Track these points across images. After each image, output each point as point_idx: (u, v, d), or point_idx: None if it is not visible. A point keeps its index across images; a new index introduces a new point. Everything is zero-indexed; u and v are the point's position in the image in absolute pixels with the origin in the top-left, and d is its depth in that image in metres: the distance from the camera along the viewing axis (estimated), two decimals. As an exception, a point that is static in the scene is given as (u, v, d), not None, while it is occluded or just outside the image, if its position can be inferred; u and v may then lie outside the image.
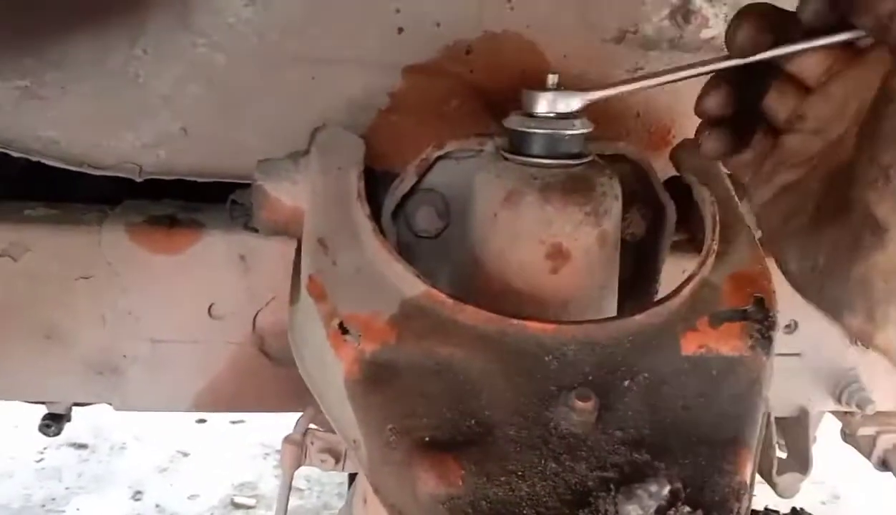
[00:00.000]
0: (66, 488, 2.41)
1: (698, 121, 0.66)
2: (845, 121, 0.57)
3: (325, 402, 0.67)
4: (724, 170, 0.80)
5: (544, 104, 0.68)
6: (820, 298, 0.56)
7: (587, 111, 0.71)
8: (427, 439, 0.58)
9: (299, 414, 0.94)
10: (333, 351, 0.63)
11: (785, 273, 0.61)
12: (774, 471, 1.17)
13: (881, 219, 0.51)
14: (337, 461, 0.86)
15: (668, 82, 0.67)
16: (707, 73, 0.64)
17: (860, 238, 0.52)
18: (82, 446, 2.61)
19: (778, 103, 0.61)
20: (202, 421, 2.78)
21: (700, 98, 0.63)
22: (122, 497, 2.39)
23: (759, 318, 0.67)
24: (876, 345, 0.53)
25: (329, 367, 0.64)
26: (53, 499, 2.35)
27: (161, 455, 2.60)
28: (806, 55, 0.58)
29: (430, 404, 0.60)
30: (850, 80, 0.56)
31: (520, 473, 0.56)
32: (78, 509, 2.32)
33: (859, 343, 0.95)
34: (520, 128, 0.70)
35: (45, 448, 2.57)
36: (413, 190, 0.77)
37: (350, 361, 0.62)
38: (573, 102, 0.68)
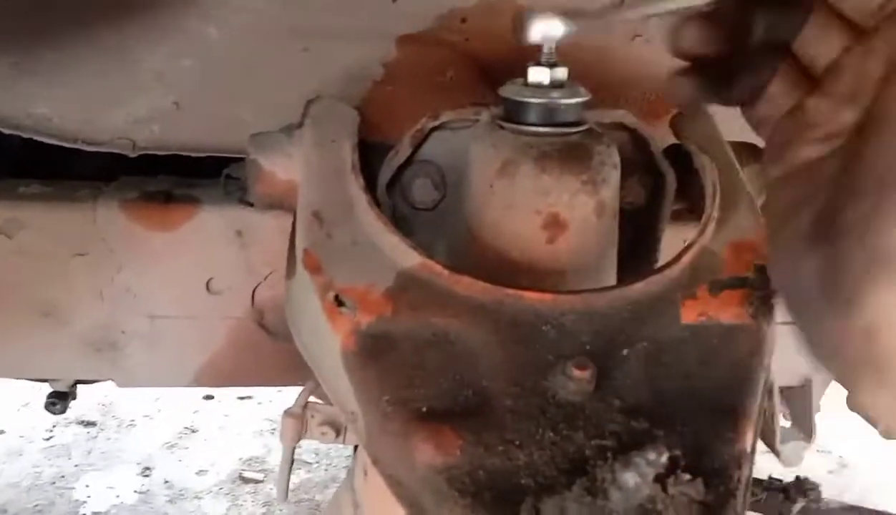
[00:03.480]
0: (76, 465, 2.43)
1: None
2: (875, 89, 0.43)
3: (322, 375, 0.67)
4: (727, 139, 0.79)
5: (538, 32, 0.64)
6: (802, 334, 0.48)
7: (586, 79, 0.69)
8: (424, 409, 0.57)
9: (301, 387, 0.94)
10: (329, 324, 0.63)
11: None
12: (778, 440, 1.17)
13: (855, 278, 0.41)
14: (337, 433, 0.86)
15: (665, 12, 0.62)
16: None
17: (838, 289, 0.43)
18: (91, 424, 2.63)
19: (818, 43, 0.46)
20: (209, 397, 2.80)
21: (675, 33, 0.51)
22: (131, 473, 2.41)
23: (759, 286, 0.67)
24: (853, 408, 0.46)
25: (325, 340, 0.63)
26: (63, 476, 2.38)
27: (169, 432, 2.62)
28: None
29: (426, 375, 0.60)
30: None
31: (517, 443, 0.56)
32: (87, 486, 2.34)
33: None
34: (515, 97, 0.69)
35: (53, 426, 2.59)
36: (408, 161, 0.76)
37: (346, 333, 0.61)
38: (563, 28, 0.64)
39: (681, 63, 0.54)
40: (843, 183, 0.43)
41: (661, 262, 0.81)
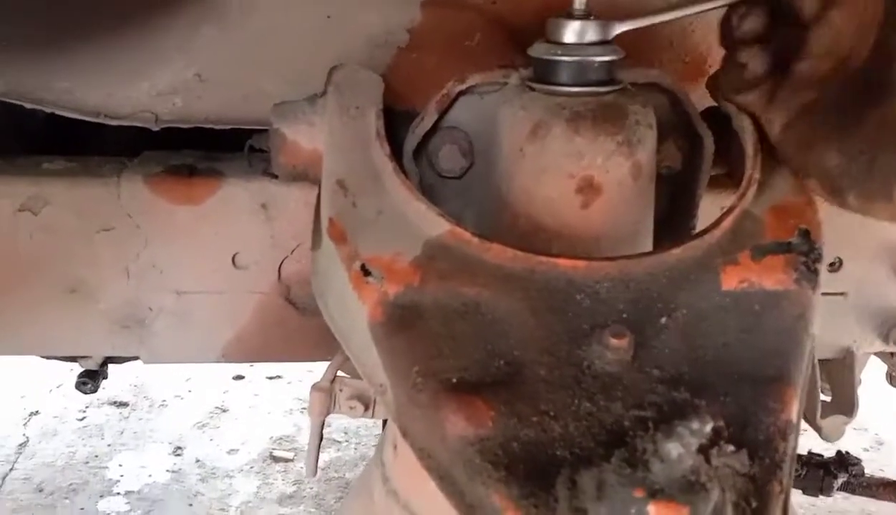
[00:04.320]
0: (108, 445, 2.46)
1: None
2: (849, 42, 0.61)
3: (350, 347, 0.66)
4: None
5: (571, 34, 0.65)
6: (867, 181, 0.58)
7: (618, 38, 0.67)
8: (454, 380, 0.56)
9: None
10: (356, 295, 0.61)
11: (822, 174, 0.62)
12: (818, 414, 1.13)
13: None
14: (366, 408, 0.84)
15: (698, 12, 0.64)
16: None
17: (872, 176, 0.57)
18: (123, 404, 2.66)
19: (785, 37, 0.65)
20: (240, 377, 2.81)
21: (741, 19, 0.65)
22: (163, 452, 2.43)
23: (803, 250, 0.64)
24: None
25: (352, 311, 0.62)
26: (96, 456, 2.40)
27: (200, 412, 2.64)
28: None
29: (456, 345, 0.58)
30: (845, 7, 0.61)
31: (552, 414, 0.54)
32: (120, 465, 2.36)
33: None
34: (545, 57, 0.66)
35: (86, 407, 2.62)
36: (435, 128, 0.74)
37: (373, 304, 0.60)
38: (604, 32, 0.64)
39: None
40: (868, 75, 0.59)
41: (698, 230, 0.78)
